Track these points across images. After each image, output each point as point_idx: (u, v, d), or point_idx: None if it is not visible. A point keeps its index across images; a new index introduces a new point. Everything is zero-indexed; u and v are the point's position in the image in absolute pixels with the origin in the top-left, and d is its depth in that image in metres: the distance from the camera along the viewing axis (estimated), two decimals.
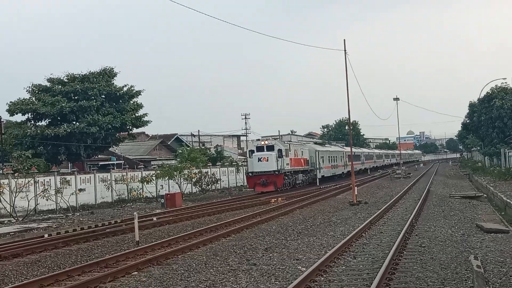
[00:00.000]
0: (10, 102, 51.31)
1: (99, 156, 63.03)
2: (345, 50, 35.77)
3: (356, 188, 35.25)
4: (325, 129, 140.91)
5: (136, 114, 54.38)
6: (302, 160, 55.31)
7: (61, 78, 53.94)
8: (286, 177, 49.12)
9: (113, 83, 54.47)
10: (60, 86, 52.90)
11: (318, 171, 60.31)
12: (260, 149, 48.48)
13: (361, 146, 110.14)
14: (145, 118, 54.82)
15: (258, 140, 54.37)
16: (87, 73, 54.03)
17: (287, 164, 49.18)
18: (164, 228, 25.08)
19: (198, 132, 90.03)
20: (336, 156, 70.11)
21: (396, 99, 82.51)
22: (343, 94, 45.62)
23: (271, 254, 16.67)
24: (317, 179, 59.65)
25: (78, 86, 51.86)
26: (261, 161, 47.16)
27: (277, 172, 46.87)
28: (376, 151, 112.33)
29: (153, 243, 19.58)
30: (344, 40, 35.70)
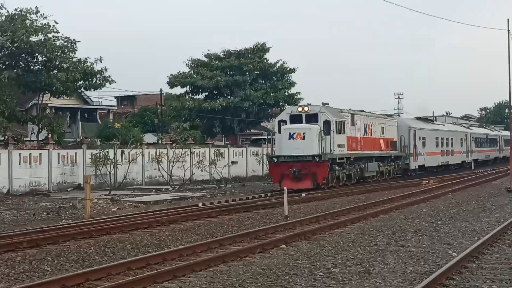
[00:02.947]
0: (171, 75, 53.80)
1: (251, 131, 64.58)
2: (508, 30, 34.01)
3: None
4: (483, 112, 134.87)
5: (289, 92, 54.95)
6: (381, 140, 38.80)
7: (218, 53, 55.62)
8: (337, 167, 32.77)
9: (266, 58, 55.31)
10: (217, 62, 54.60)
11: (411, 158, 42.46)
12: (295, 119, 32.28)
13: None
14: (298, 96, 55.23)
15: (295, 106, 36.70)
16: (242, 49, 55.28)
17: (341, 145, 32.96)
18: (312, 204, 25.29)
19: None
20: (451, 139, 50.89)
21: None
22: (503, 75, 43.21)
23: (420, 237, 16.33)
24: (410, 170, 42.93)
25: (233, 61, 53.26)
26: (293, 138, 31.22)
27: (317, 159, 30.61)
28: None
29: (301, 218, 19.85)
30: (508, 19, 33.91)
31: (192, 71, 54.46)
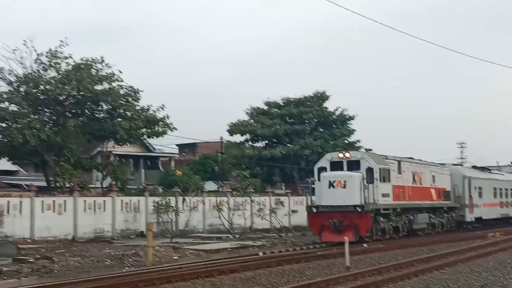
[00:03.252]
0: (231, 123, 54.39)
1: (311, 179, 64.29)
2: None
3: None
4: None
5: (349, 139, 54.72)
6: (432, 190, 36.49)
7: (277, 101, 56.00)
8: (382, 218, 30.68)
9: (326, 107, 55.37)
10: (276, 109, 54.98)
11: (466, 209, 39.74)
12: (336, 166, 30.69)
13: None
14: (358, 144, 54.91)
15: (336, 152, 33.53)
16: (301, 97, 55.50)
17: (386, 194, 30.97)
18: (374, 255, 24.86)
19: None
20: (511, 189, 47.66)
21: None
22: None
23: None
24: (466, 222, 40.15)
25: (293, 110, 53.55)
26: (333, 187, 29.53)
27: (359, 209, 28.76)
28: None
29: (363, 270, 19.53)
30: None
31: (252, 119, 54.96)
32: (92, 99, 36.47)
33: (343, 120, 55.08)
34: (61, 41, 36.31)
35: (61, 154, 35.69)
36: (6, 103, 34.14)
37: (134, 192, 39.50)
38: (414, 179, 34.61)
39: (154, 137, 41.40)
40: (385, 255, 24.84)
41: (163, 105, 38.74)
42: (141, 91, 38.24)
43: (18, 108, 33.70)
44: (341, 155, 31.03)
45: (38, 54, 35.95)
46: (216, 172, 59.39)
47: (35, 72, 36.12)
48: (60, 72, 36.23)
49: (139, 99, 38.25)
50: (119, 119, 37.41)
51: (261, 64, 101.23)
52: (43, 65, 36.13)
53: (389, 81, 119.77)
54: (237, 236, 35.08)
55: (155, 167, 59.82)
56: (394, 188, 31.86)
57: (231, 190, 41.56)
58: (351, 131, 55.10)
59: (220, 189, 44.94)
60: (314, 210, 30.28)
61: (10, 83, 36.12)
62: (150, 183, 47.39)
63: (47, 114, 37.03)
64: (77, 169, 37.74)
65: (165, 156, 63.96)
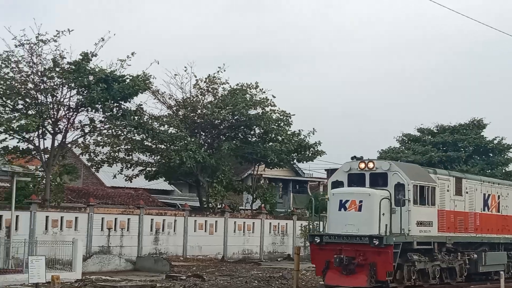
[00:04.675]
0: (381, 149, 53.55)
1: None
2: None
3: None
4: None
5: (507, 169, 52.05)
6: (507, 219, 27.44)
7: (431, 128, 54.49)
8: (416, 256, 22.01)
9: (482, 135, 53.17)
10: (429, 137, 53.50)
11: None
12: (356, 179, 22.74)
13: None
14: None
15: (356, 159, 23.72)
16: (456, 125, 53.66)
17: (424, 223, 22.67)
18: None
19: None
20: None
21: None
22: None
23: None
24: None
25: (447, 137, 51.86)
26: (344, 208, 21.60)
27: (377, 242, 20.65)
28: None
29: None
30: None
31: (403, 146, 53.82)
32: (245, 123, 37.49)
33: (501, 149, 52.54)
34: (219, 67, 37.83)
35: (215, 176, 36.93)
36: (166, 126, 35.89)
37: (282, 215, 39.97)
38: (486, 204, 26.40)
39: (304, 161, 41.72)
40: None
41: (313, 129, 39.07)
42: (293, 115, 38.82)
43: (176, 131, 35.32)
44: (362, 165, 22.70)
45: (197, 80, 37.68)
46: None
47: (193, 97, 37.82)
48: (217, 96, 37.67)
49: (291, 124, 38.83)
50: (271, 143, 38.08)
51: (404, 90, 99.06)
52: (201, 90, 37.77)
53: None
54: None
55: (304, 191, 60.11)
56: (442, 214, 23.66)
57: None
58: (510, 160, 52.41)
59: None
60: (317, 240, 21.99)
61: (170, 107, 38.07)
62: (298, 207, 47.72)
63: (203, 137, 38.55)
64: (229, 190, 38.82)
65: (314, 181, 64.14)
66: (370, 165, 22.42)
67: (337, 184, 22.92)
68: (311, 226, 26.04)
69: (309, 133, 39.00)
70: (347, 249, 21.06)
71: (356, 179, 22.53)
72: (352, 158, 23.41)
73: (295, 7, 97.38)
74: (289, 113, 38.82)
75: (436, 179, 23.66)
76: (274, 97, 38.20)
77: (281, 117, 38.59)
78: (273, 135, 38.34)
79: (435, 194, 23.15)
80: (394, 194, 21.83)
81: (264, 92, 38.25)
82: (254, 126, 38.24)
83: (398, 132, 55.38)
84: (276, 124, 38.10)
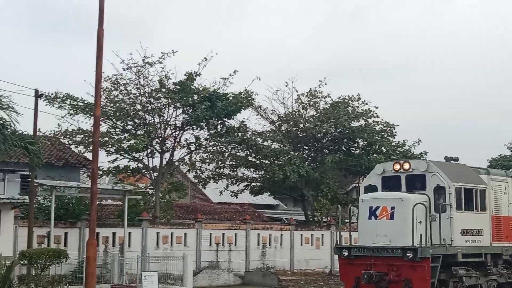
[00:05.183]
0: (491, 158, 51.71)
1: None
2: None
3: None
4: None
5: None
6: None
7: None
8: (463, 271, 19.61)
9: None
10: None
11: None
12: (390, 183, 20.67)
13: None
14: None
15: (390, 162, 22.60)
16: None
17: (473, 231, 20.19)
18: None
19: None
20: None
21: None
22: None
23: None
24: None
25: None
26: (375, 216, 19.51)
27: (410, 254, 18.36)
28: None
29: None
30: None
31: None
32: (348, 136, 37.28)
33: None
34: (320, 81, 37.87)
35: (319, 189, 36.87)
36: (269, 141, 36.25)
37: None
38: None
39: None
40: None
41: (419, 139, 38.38)
42: (396, 125, 38.28)
43: (279, 146, 35.59)
44: (397, 166, 20.49)
45: (298, 94, 37.87)
46: None
47: (295, 111, 38.03)
48: (319, 110, 37.71)
49: (394, 135, 38.27)
50: (375, 155, 37.64)
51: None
52: (303, 104, 37.93)
53: None
54: None
55: None
56: (497, 221, 20.74)
57: None
58: None
59: None
60: (345, 254, 19.99)
61: (272, 122, 38.43)
62: None
63: (306, 151, 38.63)
64: (334, 204, 38.62)
65: None
66: (406, 166, 20.35)
67: (370, 189, 20.90)
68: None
69: (414, 143, 38.35)
70: (377, 263, 18.83)
71: (391, 183, 20.48)
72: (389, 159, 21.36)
73: (397, 18, 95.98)
74: (393, 124, 38.31)
75: (488, 180, 21.01)
76: (376, 108, 37.85)
77: (385, 128, 38.11)
78: (377, 147, 37.89)
79: (485, 198, 20.62)
80: (433, 198, 19.62)
81: (367, 103, 37.97)
82: (358, 139, 37.92)
83: (509, 139, 53.13)
84: (380, 136, 37.65)
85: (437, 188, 19.56)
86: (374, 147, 37.90)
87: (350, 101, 37.84)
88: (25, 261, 22.08)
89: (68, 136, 32.34)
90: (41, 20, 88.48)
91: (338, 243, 21.25)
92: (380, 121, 38.00)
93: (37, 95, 26.60)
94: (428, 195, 19.53)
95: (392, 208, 18.97)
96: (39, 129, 28.07)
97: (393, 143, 38.03)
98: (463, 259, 19.48)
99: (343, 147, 38.88)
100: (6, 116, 19.88)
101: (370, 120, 37.69)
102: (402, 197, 19.19)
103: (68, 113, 30.72)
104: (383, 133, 37.83)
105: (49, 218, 25.01)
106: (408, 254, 18.19)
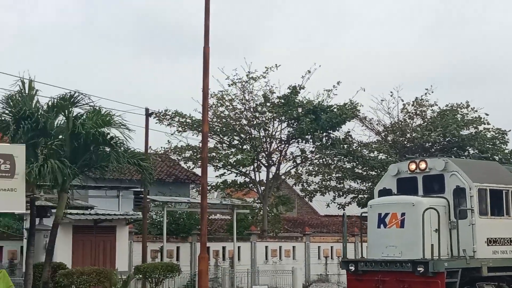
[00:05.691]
0: None
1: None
2: None
3: None
4: None
5: None
6: None
7: None
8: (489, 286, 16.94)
9: None
10: None
11: None
12: (406, 185, 18.19)
13: None
14: None
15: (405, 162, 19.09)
16: None
17: (500, 240, 17.42)
18: None
19: None
20: None
21: None
22: None
23: None
24: None
25: None
26: (384, 225, 17.18)
27: (421, 269, 15.75)
28: None
29: None
30: None
31: None
32: (458, 144, 36.17)
33: None
34: (426, 89, 36.99)
35: None
36: (376, 152, 35.74)
37: None
38: None
39: None
40: None
41: None
42: (508, 131, 36.78)
43: (386, 157, 35.00)
44: (413, 165, 17.98)
45: (404, 104, 37.14)
46: None
47: (401, 121, 37.31)
48: (426, 119, 36.82)
49: (507, 141, 36.80)
50: None
51: None
52: (409, 113, 37.15)
53: None
54: None
55: None
56: None
57: None
58: None
59: None
60: (352, 268, 17.59)
61: (378, 133, 37.87)
62: None
63: None
64: None
65: None
66: (422, 165, 17.71)
67: (384, 193, 18.37)
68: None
69: None
70: (386, 279, 16.39)
71: (406, 185, 17.99)
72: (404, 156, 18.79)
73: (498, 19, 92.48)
74: (505, 130, 36.83)
75: None
76: (487, 115, 36.52)
77: (496, 135, 36.73)
78: (489, 155, 36.51)
79: None
80: (453, 202, 17.03)
81: (476, 110, 36.71)
82: (468, 147, 36.72)
83: None
84: (491, 143, 36.29)
85: (457, 190, 17.09)
86: (485, 155, 36.56)
87: (458, 109, 36.76)
88: (140, 276, 22.68)
89: (177, 152, 33.18)
90: (145, 40, 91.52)
91: (344, 256, 18.86)
92: (492, 128, 36.65)
93: (148, 114, 27.50)
94: (447, 198, 17.19)
95: (403, 214, 16.72)
96: (150, 146, 28.95)
97: (506, 151, 36.56)
98: (490, 273, 16.83)
99: (453, 156, 37.74)
100: (119, 134, 20.59)
101: (480, 127, 36.43)
102: (413, 202, 16.80)
103: (177, 130, 31.64)
104: (494, 140, 36.45)
105: (162, 233, 25.72)
106: (419, 269, 15.83)
